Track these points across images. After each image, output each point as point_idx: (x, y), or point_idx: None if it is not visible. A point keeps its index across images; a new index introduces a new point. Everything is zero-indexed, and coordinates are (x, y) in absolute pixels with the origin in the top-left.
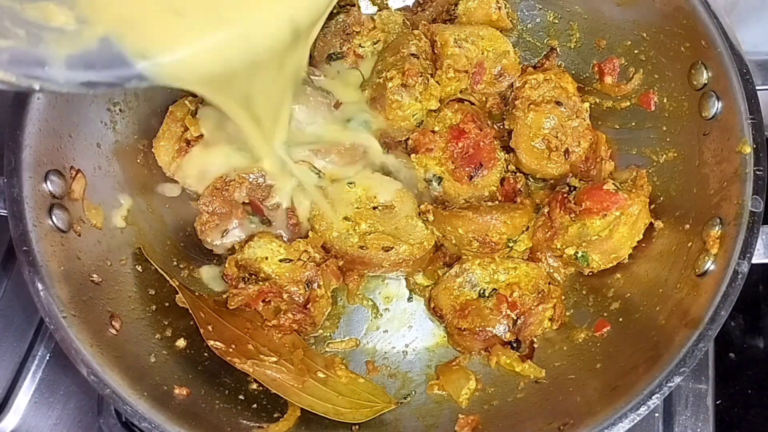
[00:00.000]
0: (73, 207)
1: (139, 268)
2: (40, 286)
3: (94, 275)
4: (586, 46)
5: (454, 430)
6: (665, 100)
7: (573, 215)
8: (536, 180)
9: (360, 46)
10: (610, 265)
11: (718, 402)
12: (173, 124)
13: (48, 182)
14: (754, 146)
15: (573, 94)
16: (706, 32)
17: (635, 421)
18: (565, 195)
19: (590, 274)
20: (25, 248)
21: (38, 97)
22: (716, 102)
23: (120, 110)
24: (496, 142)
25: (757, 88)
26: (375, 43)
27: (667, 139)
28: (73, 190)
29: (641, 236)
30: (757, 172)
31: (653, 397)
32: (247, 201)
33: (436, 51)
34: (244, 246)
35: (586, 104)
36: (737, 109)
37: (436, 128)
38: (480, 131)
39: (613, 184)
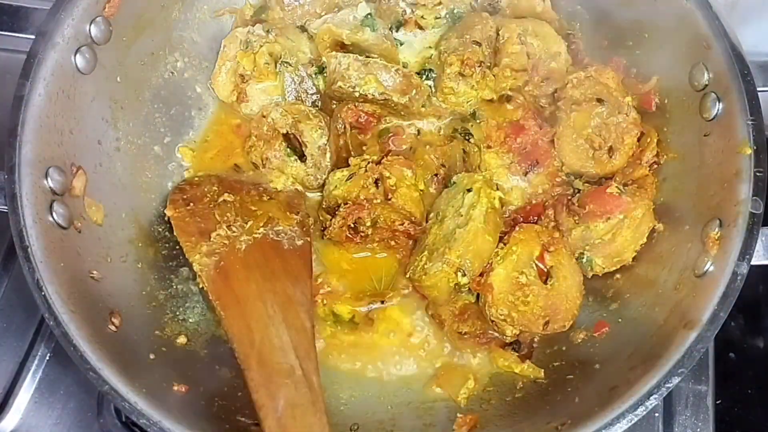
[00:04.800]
0: (74, 204)
1: (139, 265)
2: (40, 282)
3: (94, 272)
4: (589, 46)
5: (452, 430)
6: (666, 101)
7: (577, 218)
8: (581, 180)
9: (422, 17)
10: (614, 268)
11: (718, 402)
12: (227, 60)
13: (48, 179)
14: (755, 147)
15: (614, 89)
16: (706, 33)
17: (633, 422)
18: (570, 198)
19: (593, 277)
20: (25, 244)
21: (39, 93)
22: (717, 103)
23: (122, 107)
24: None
25: (757, 89)
26: (437, 18)
27: (668, 140)
28: (74, 186)
29: (645, 239)
30: (758, 174)
31: (651, 398)
32: (286, 132)
33: (498, 45)
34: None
35: (629, 98)
36: (738, 110)
37: (499, 119)
38: (539, 129)
39: (617, 187)
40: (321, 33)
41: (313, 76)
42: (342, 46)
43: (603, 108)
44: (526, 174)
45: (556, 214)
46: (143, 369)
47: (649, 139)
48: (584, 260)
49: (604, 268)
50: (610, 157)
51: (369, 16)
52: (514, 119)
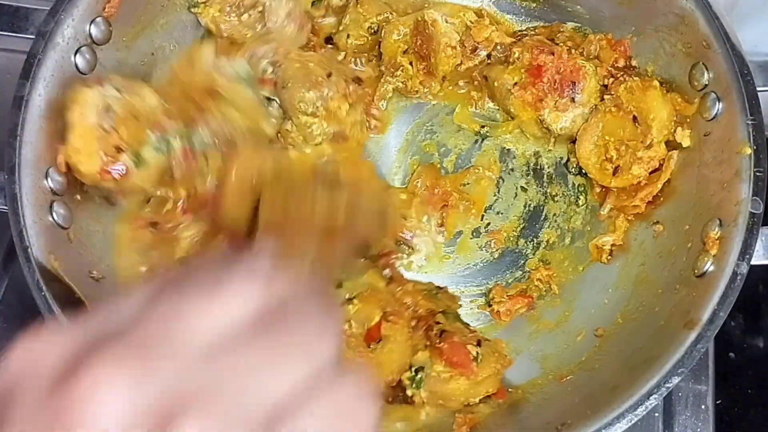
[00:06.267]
0: (74, 204)
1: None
2: (40, 282)
3: (94, 271)
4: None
5: (452, 429)
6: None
7: (428, 344)
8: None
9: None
10: (437, 406)
11: (718, 402)
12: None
13: (48, 179)
14: (755, 147)
15: (654, 117)
16: (706, 33)
17: (633, 422)
18: (433, 324)
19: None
20: (25, 245)
21: (39, 93)
22: (717, 103)
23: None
24: (574, 52)
25: (757, 89)
26: None
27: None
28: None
29: (477, 401)
30: (757, 173)
31: (651, 398)
32: None
33: (429, 31)
34: None
35: (662, 138)
36: (738, 110)
37: (515, 79)
38: (553, 55)
39: (477, 351)
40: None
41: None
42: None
43: (634, 128)
44: (573, 100)
45: (416, 328)
46: None
47: (656, 180)
48: (417, 379)
49: (425, 402)
50: (613, 174)
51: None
52: (526, 69)
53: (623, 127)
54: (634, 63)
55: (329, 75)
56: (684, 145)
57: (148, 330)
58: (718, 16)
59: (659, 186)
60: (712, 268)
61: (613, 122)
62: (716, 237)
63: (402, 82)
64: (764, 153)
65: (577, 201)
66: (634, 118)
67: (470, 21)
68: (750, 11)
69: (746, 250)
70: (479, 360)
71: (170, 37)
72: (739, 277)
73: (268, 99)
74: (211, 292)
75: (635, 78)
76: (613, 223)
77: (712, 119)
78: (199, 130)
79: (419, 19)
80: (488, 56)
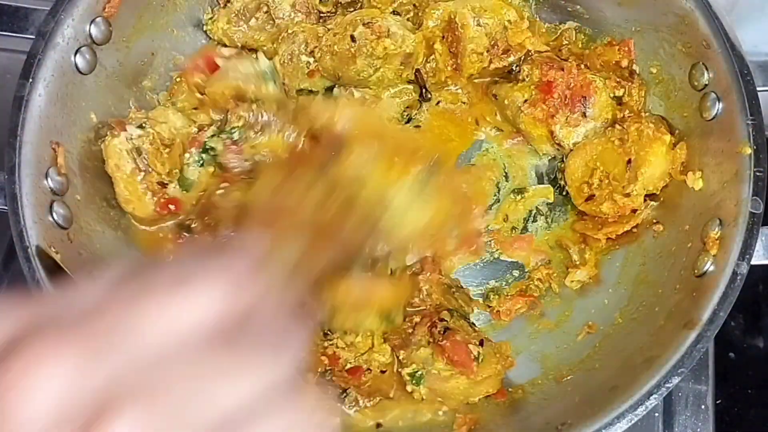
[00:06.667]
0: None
1: None
2: (39, 282)
3: (95, 272)
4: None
5: (452, 429)
6: (666, 101)
7: (431, 341)
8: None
9: None
10: (435, 405)
11: (718, 402)
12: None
13: (48, 179)
14: (755, 147)
15: (645, 172)
16: (706, 33)
17: (633, 421)
18: (438, 321)
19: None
20: (25, 245)
21: (39, 93)
22: (717, 103)
23: None
24: (583, 67)
25: (757, 89)
26: None
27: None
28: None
29: (477, 400)
30: (757, 173)
31: (651, 398)
32: None
33: (457, 33)
34: None
35: (643, 193)
36: (738, 110)
37: (525, 96)
38: (563, 70)
39: (479, 350)
40: (220, 88)
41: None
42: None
43: (624, 171)
44: (585, 115)
45: (418, 326)
46: None
47: (624, 222)
48: (417, 376)
49: (423, 398)
50: (586, 199)
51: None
52: (535, 86)
53: (615, 164)
54: (635, 68)
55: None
56: (696, 189)
57: (103, 318)
58: (718, 16)
59: (625, 229)
60: (712, 268)
61: (610, 154)
62: (716, 237)
63: (433, 70)
64: (764, 153)
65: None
66: (629, 162)
67: (508, 21)
68: (750, 11)
69: (746, 250)
70: (480, 360)
71: (170, 37)
72: (739, 277)
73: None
74: (176, 288)
75: (651, 124)
76: (583, 257)
77: (712, 119)
78: (233, 124)
79: (452, 16)
80: (517, 61)
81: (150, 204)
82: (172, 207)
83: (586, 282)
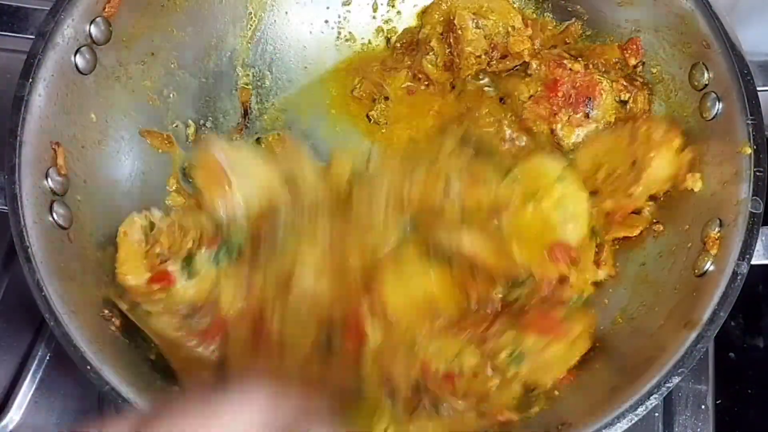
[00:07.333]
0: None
1: None
2: (40, 282)
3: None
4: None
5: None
6: (666, 101)
7: (513, 321)
8: None
9: None
10: (533, 385)
11: (718, 402)
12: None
13: (49, 179)
14: (755, 147)
15: (649, 176)
16: (706, 33)
17: (633, 421)
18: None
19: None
20: (25, 245)
21: (39, 93)
22: (717, 103)
23: None
24: (590, 68)
25: (757, 89)
26: None
27: None
28: None
29: (575, 361)
30: (757, 173)
31: (651, 398)
32: None
33: (456, 34)
34: None
35: (644, 196)
36: (738, 110)
37: (531, 92)
38: (570, 70)
39: (566, 310)
40: None
41: None
42: None
43: (629, 171)
44: (588, 116)
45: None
46: (144, 370)
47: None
48: (513, 355)
49: (524, 379)
50: (592, 196)
51: None
52: (542, 82)
53: (622, 162)
54: (638, 69)
55: None
56: (695, 190)
57: None
58: (718, 16)
59: (634, 234)
60: (712, 268)
61: (618, 151)
62: (716, 237)
63: (431, 64)
64: (764, 153)
65: None
66: (633, 163)
67: (512, 26)
68: (750, 11)
69: (746, 250)
70: (567, 319)
71: (170, 38)
72: (739, 277)
73: None
74: (207, 416)
75: (661, 127)
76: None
77: (712, 119)
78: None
79: (451, 17)
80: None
81: (144, 274)
82: (165, 282)
83: (605, 280)
